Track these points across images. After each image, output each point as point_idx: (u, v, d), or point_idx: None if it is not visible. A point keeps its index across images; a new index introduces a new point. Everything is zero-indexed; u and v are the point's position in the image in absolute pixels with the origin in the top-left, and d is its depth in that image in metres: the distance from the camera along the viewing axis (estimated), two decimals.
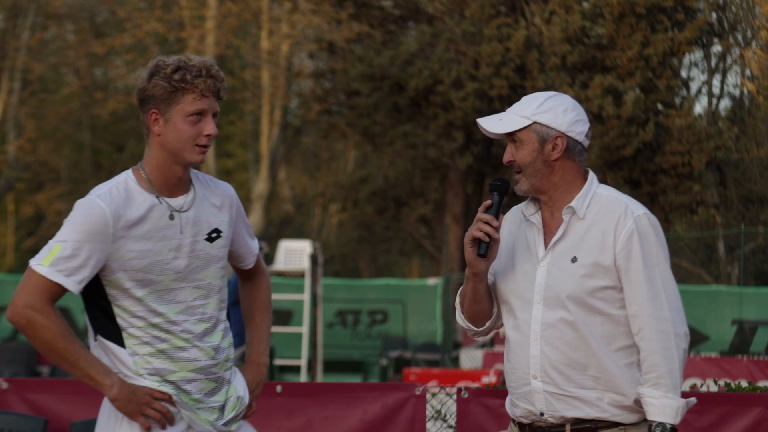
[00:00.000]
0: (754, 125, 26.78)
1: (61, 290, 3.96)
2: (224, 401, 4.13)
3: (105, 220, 3.95)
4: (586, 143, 4.24)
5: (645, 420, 4.13)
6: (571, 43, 25.77)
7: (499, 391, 6.38)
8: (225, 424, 4.12)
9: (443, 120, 26.95)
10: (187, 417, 4.06)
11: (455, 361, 22.37)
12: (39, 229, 39.76)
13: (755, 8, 27.31)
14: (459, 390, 6.23)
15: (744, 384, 6.81)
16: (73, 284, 3.95)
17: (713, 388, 7.15)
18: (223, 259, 4.14)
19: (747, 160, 26.40)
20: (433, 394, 6.43)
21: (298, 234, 35.07)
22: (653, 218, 4.16)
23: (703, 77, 28.96)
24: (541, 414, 4.16)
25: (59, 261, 3.93)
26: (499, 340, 24.08)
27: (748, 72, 27.98)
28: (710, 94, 28.56)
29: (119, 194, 4.00)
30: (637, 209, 4.15)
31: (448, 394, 6.39)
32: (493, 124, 4.20)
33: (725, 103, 29.06)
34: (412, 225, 30.80)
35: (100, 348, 4.07)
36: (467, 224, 28.81)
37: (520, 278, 4.21)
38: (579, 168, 4.21)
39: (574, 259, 4.13)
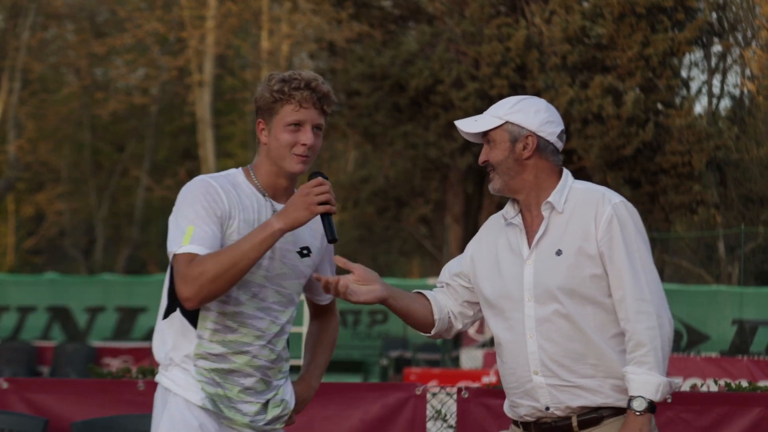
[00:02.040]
0: (754, 125, 26.78)
1: None
2: (269, 399, 4.22)
3: (220, 197, 4.09)
4: (559, 145, 4.33)
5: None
6: (571, 43, 25.76)
7: (499, 391, 6.38)
8: (267, 423, 4.22)
9: (444, 120, 26.95)
10: (223, 420, 4.15)
11: (455, 361, 22.38)
12: (39, 229, 39.76)
13: (755, 8, 27.31)
14: (459, 390, 6.23)
15: (744, 384, 6.81)
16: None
17: (713, 388, 7.14)
18: (306, 278, 4.28)
19: (747, 160, 26.40)
20: (434, 394, 6.44)
21: None
22: (630, 206, 4.25)
23: (703, 77, 28.98)
24: (547, 408, 4.23)
25: (197, 238, 4.02)
26: None
27: (748, 72, 27.99)
28: (710, 94, 28.56)
29: (228, 180, 4.17)
30: (614, 197, 4.24)
31: (448, 394, 6.39)
32: (468, 125, 4.33)
33: (725, 103, 29.08)
34: (412, 225, 30.81)
35: (169, 321, 4.15)
36: (467, 224, 28.81)
37: (508, 280, 4.28)
38: (553, 167, 4.31)
39: (558, 252, 4.21)
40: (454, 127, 4.46)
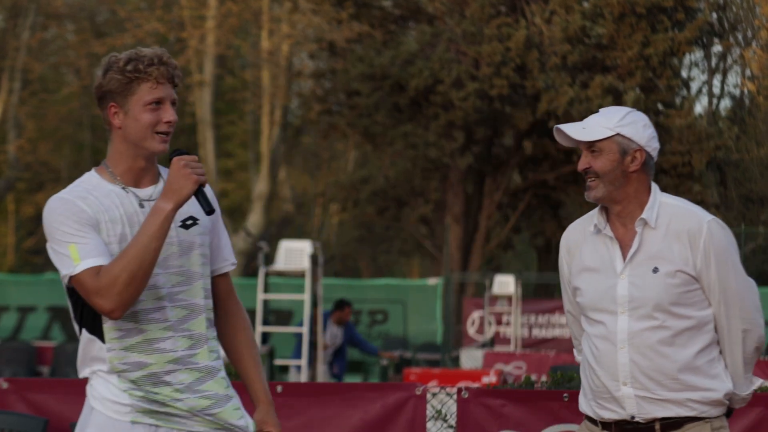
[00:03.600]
0: (754, 125, 26.76)
1: None
2: (217, 392, 4.08)
3: (79, 208, 3.97)
4: (655, 160, 4.50)
5: (726, 413, 4.44)
6: (571, 43, 25.75)
7: (499, 391, 6.38)
8: (215, 415, 4.08)
9: (444, 120, 26.93)
10: (155, 421, 4.03)
11: (455, 361, 22.38)
12: (39, 229, 39.73)
13: (755, 8, 27.29)
14: (459, 390, 6.23)
15: None
16: (110, 260, 3.94)
17: None
18: (202, 246, 4.12)
19: (747, 160, 26.39)
20: (434, 394, 6.43)
21: (298, 234, 35.06)
22: (721, 222, 4.42)
23: (704, 77, 28.96)
24: (632, 417, 4.40)
25: (86, 252, 3.92)
26: (499, 340, 24.07)
27: (748, 72, 27.97)
28: (710, 94, 28.55)
29: (80, 186, 4.04)
30: (706, 215, 4.40)
31: (448, 394, 6.39)
32: (576, 132, 4.44)
33: (725, 103, 29.06)
34: (412, 225, 30.79)
35: (83, 340, 4.06)
36: (467, 224, 28.79)
37: (600, 291, 4.43)
38: (649, 181, 4.46)
39: (655, 270, 4.37)
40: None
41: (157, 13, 33.03)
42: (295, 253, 15.79)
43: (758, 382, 4.51)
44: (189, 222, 4.10)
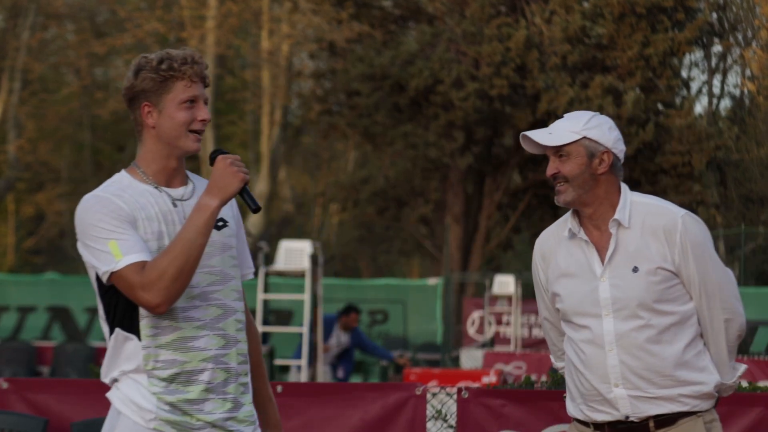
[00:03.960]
0: (754, 125, 26.76)
1: None
2: (236, 397, 4.07)
3: (117, 205, 3.97)
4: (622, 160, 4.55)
5: (715, 406, 4.49)
6: (571, 43, 25.75)
7: (499, 391, 6.39)
8: (236, 420, 4.07)
9: (444, 120, 26.92)
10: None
11: (455, 361, 22.39)
12: (39, 229, 39.76)
13: (755, 8, 27.30)
14: (459, 390, 6.23)
15: (744, 384, 6.81)
16: (151, 256, 3.94)
17: None
18: (232, 249, 4.13)
19: (747, 160, 26.39)
20: (434, 394, 6.44)
21: (299, 234, 35.05)
22: (694, 215, 4.47)
23: (704, 77, 28.96)
24: (627, 417, 4.43)
25: (127, 248, 3.91)
26: (499, 340, 24.07)
27: (748, 72, 27.97)
28: (710, 94, 28.55)
29: (117, 187, 4.05)
30: (679, 210, 4.45)
31: (448, 394, 6.39)
32: (543, 137, 4.49)
33: (725, 103, 29.07)
34: (412, 225, 30.79)
35: (114, 340, 4.03)
36: (467, 224, 28.80)
37: (582, 296, 4.46)
38: (618, 182, 4.50)
39: (635, 269, 4.40)
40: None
41: (157, 13, 33.02)
42: (295, 253, 15.79)
43: (742, 368, 4.54)
44: (220, 224, 4.11)
